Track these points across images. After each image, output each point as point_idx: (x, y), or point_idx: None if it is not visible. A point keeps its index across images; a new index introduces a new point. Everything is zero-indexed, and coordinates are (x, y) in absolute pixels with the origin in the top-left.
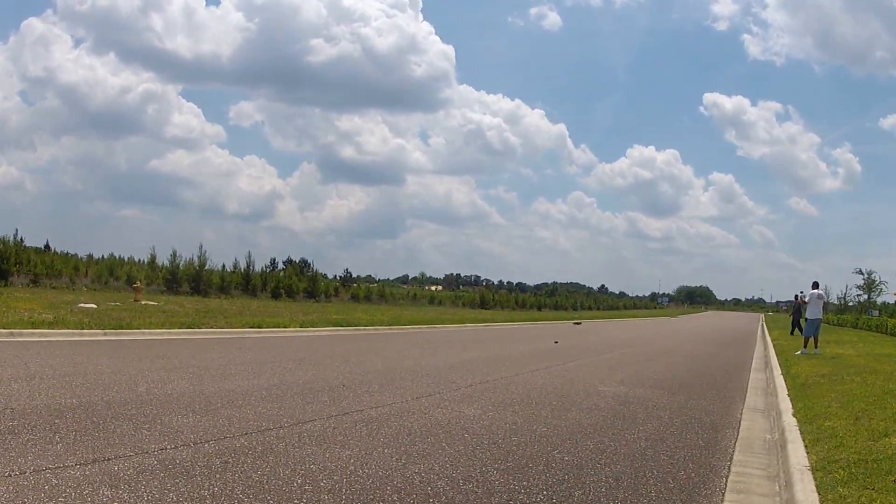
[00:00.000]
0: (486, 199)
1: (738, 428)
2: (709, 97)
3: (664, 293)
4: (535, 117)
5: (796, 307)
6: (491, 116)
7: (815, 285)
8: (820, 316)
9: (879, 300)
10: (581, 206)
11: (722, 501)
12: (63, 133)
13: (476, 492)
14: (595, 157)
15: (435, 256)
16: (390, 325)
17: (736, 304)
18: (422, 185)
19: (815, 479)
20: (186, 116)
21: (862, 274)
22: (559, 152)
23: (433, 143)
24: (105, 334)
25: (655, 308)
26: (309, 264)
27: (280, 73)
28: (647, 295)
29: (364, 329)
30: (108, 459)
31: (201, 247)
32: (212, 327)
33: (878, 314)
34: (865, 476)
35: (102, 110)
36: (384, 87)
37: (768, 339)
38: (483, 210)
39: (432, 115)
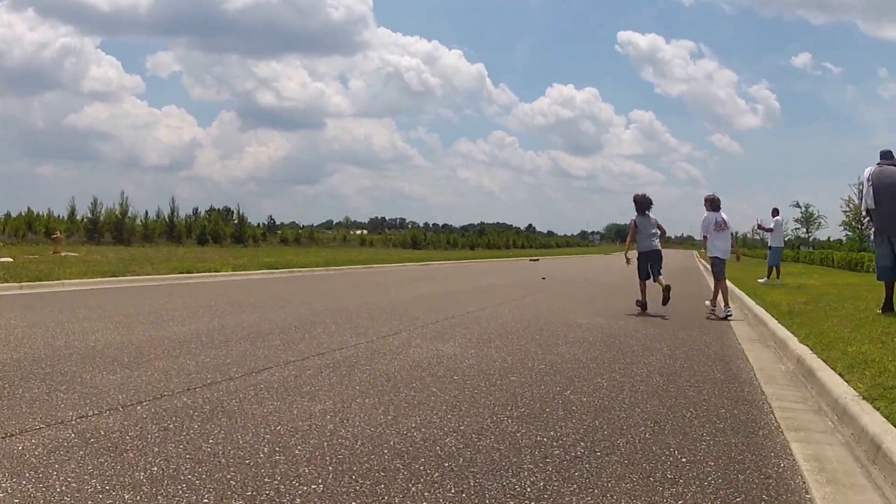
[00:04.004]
0: (407, 142)
1: (747, 359)
2: (623, 35)
3: (594, 231)
4: (453, 58)
5: None
6: (409, 58)
7: (776, 212)
8: (782, 244)
9: (821, 235)
10: (502, 146)
11: (789, 443)
12: None
13: (499, 449)
14: (515, 96)
15: (359, 201)
16: (326, 266)
17: (667, 242)
18: (342, 128)
19: (877, 408)
20: (105, 69)
21: (799, 207)
22: (479, 92)
23: (353, 87)
24: (21, 288)
25: (588, 246)
26: (232, 212)
27: (197, 20)
28: (576, 233)
29: (300, 270)
30: (11, 436)
31: (122, 194)
32: (138, 274)
33: (812, 249)
34: None
35: (19, 67)
36: (302, 32)
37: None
38: (405, 152)
39: (350, 59)
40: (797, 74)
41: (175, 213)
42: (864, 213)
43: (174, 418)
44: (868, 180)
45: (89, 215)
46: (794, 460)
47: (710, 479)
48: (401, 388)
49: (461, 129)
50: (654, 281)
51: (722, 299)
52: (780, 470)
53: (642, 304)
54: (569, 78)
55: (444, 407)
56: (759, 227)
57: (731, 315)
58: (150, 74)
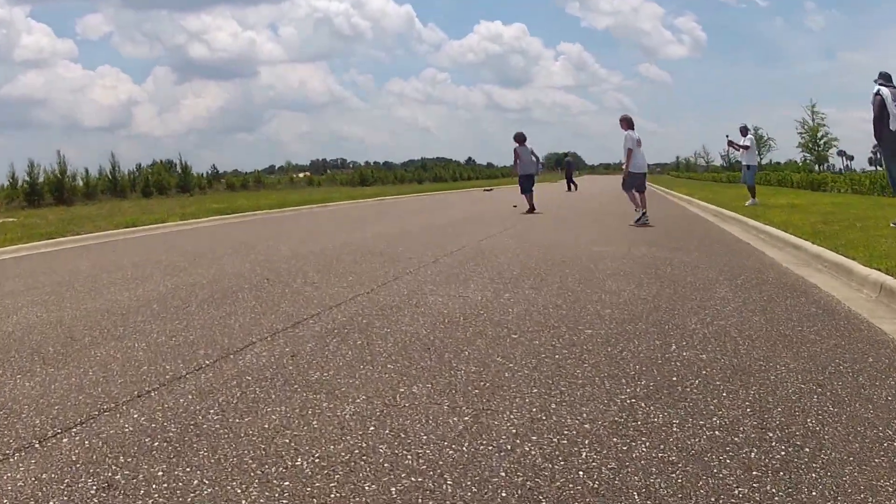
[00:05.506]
0: (341, 84)
1: (819, 287)
2: None
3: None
4: (380, 1)
5: (568, 164)
6: (337, 3)
7: (745, 130)
8: (757, 162)
9: (769, 158)
10: (435, 83)
11: None
12: None
13: (672, 461)
14: (444, 34)
15: (298, 145)
16: (280, 207)
17: (607, 169)
18: (276, 75)
19: None
20: (36, 37)
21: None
22: (408, 33)
23: (283, 34)
24: None
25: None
26: (175, 164)
27: None
28: None
29: (253, 214)
30: None
31: (59, 153)
32: (78, 234)
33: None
34: None
35: None
36: None
37: (679, 195)
38: (340, 94)
39: (279, 7)
40: (723, 7)
41: (116, 168)
42: (875, 131)
43: (122, 459)
44: (893, 100)
45: (27, 179)
46: None
47: None
48: (452, 362)
49: (393, 69)
50: (528, 194)
51: (641, 204)
52: None
53: (530, 209)
54: (496, 14)
55: (535, 389)
56: (731, 143)
57: (646, 220)
58: (81, 38)
